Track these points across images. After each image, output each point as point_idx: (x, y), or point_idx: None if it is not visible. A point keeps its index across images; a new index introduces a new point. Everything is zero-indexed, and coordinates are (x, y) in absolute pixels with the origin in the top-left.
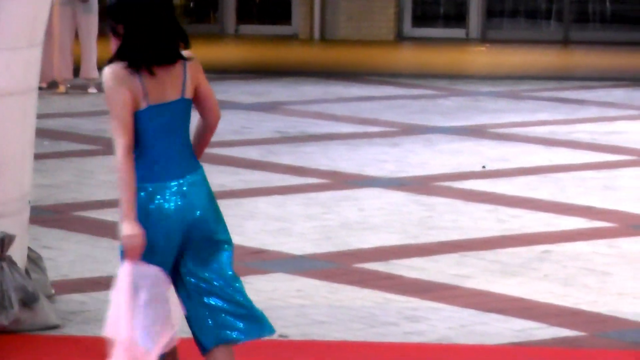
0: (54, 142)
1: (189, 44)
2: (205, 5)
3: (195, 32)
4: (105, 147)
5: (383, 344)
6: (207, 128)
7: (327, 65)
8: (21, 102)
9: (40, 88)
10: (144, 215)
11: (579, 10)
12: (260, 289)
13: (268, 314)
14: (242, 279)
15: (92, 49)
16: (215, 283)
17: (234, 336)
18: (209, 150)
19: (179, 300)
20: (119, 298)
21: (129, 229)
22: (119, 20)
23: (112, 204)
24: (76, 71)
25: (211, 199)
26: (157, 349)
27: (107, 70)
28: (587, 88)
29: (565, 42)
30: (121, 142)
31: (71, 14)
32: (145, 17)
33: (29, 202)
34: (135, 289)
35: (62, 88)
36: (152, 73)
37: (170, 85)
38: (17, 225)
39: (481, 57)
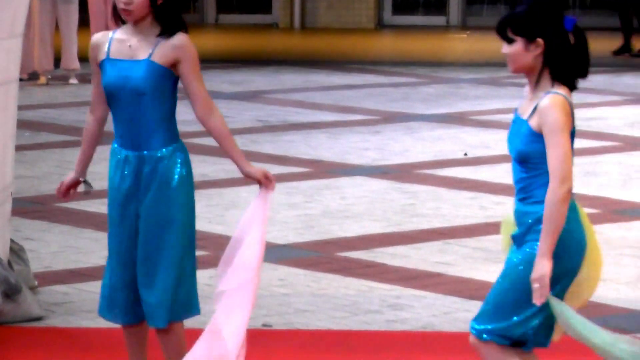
0: (35, 133)
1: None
2: None
3: None
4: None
5: (366, 332)
6: None
7: (307, 53)
8: (2, 93)
9: (21, 79)
10: None
11: None
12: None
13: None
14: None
15: (72, 40)
16: None
17: None
18: (190, 140)
19: None
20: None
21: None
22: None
23: (94, 194)
24: (57, 62)
25: None
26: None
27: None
28: None
29: None
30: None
31: (51, 5)
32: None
33: (11, 193)
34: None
35: (42, 79)
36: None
37: None
38: None
39: (462, 44)
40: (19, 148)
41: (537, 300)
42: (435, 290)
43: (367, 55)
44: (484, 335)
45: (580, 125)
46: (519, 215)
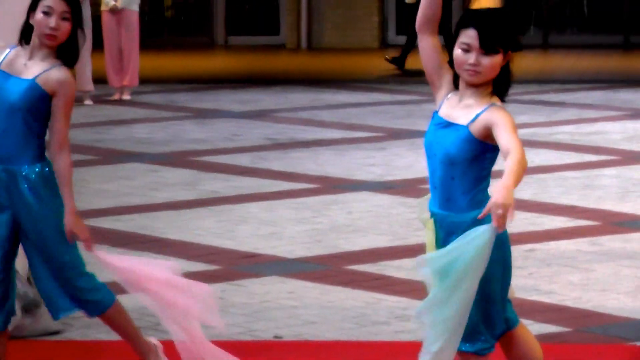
0: None
1: None
2: (195, 18)
3: (186, 44)
4: (100, 156)
5: (374, 342)
6: None
7: (314, 73)
8: None
9: None
10: None
11: (557, 16)
12: (254, 292)
13: (261, 315)
14: (237, 283)
15: (86, 63)
16: None
17: None
18: (201, 158)
19: None
20: None
21: None
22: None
23: (108, 211)
24: None
25: None
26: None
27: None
28: (566, 91)
29: (545, 46)
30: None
31: None
32: None
33: None
34: None
35: None
36: None
37: None
38: None
39: None
40: None
41: (497, 224)
42: None
43: (372, 74)
44: (479, 349)
45: (579, 139)
46: (445, 222)
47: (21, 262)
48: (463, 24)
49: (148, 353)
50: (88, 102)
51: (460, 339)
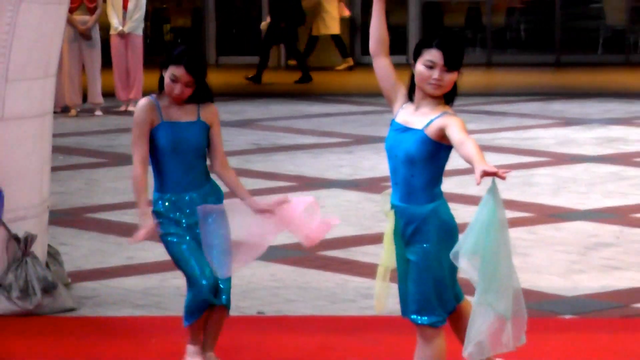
0: (67, 156)
1: None
2: (188, 40)
3: None
4: (110, 159)
5: (343, 317)
6: None
7: (292, 88)
8: (39, 123)
9: (54, 112)
10: None
11: (499, 38)
12: (240, 274)
13: (247, 294)
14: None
15: (96, 79)
16: None
17: None
18: None
19: None
20: None
21: None
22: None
23: (116, 206)
24: (84, 98)
25: None
26: None
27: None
28: (507, 102)
29: (489, 64)
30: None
31: (78, 50)
32: None
33: (48, 206)
34: None
35: (73, 112)
36: None
37: None
38: (38, 226)
39: None
40: (54, 169)
41: (499, 174)
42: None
43: (341, 89)
44: (434, 322)
45: (518, 144)
46: (405, 213)
47: (39, 250)
48: (427, 45)
49: None
50: (99, 113)
51: (510, 297)
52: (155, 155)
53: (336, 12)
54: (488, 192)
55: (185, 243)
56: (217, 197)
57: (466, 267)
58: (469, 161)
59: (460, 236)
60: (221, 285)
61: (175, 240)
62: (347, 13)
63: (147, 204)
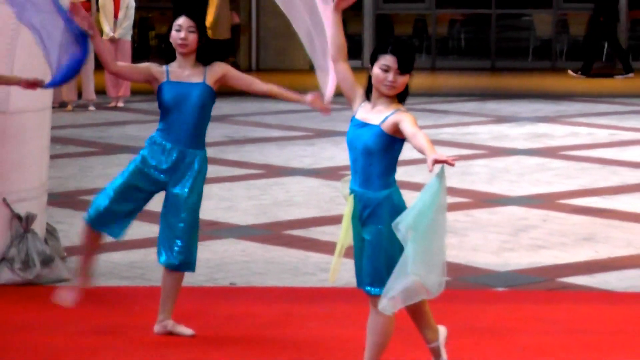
0: (64, 146)
1: None
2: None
3: None
4: (101, 149)
5: (304, 288)
6: None
7: None
8: (39, 117)
9: (53, 107)
10: None
11: (442, 45)
12: (215, 250)
13: (220, 267)
14: (202, 243)
15: (89, 78)
16: None
17: None
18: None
19: None
20: None
21: None
22: None
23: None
24: (79, 94)
25: None
26: None
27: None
28: (448, 102)
29: (433, 68)
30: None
31: None
32: None
33: (46, 189)
34: None
35: (69, 107)
36: None
37: None
38: (37, 206)
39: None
40: (52, 157)
41: (449, 160)
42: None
43: (303, 89)
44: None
45: (458, 138)
46: (363, 198)
47: (39, 227)
48: (383, 51)
49: None
50: (91, 108)
51: (439, 272)
52: (161, 108)
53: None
54: (436, 176)
55: (126, 178)
56: (200, 166)
57: (403, 238)
58: (421, 151)
59: (404, 212)
60: (175, 248)
61: (127, 172)
62: (236, 20)
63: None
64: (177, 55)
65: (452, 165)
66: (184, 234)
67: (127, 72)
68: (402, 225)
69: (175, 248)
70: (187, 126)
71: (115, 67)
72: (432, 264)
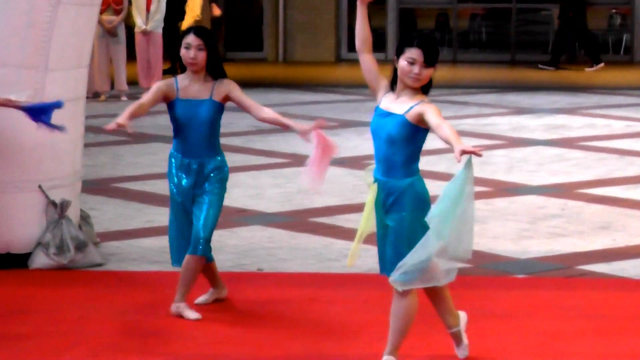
0: (97, 135)
1: None
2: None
3: None
4: (133, 138)
5: (328, 274)
6: None
7: (287, 79)
8: (73, 106)
9: (87, 97)
10: None
11: (463, 39)
12: (242, 236)
13: (248, 253)
14: (230, 230)
15: (121, 69)
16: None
17: None
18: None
19: None
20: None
21: None
22: None
23: (138, 177)
24: (111, 85)
25: None
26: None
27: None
28: (469, 94)
29: (454, 61)
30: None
31: (106, 45)
32: None
33: (80, 177)
34: None
35: (102, 97)
36: None
37: None
38: (72, 193)
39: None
40: (86, 145)
41: (475, 151)
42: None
43: (329, 80)
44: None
45: (478, 129)
46: (386, 186)
47: (73, 213)
48: (409, 44)
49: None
50: (124, 98)
51: (466, 246)
52: (173, 123)
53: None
54: (464, 167)
55: (173, 213)
56: (220, 171)
57: (434, 229)
58: (446, 141)
59: (433, 205)
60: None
61: (171, 208)
62: (217, 12)
63: (130, 116)
64: (187, 70)
65: (479, 155)
66: (206, 227)
67: (151, 103)
68: (434, 217)
69: (198, 237)
70: (199, 140)
71: (145, 108)
72: (461, 241)
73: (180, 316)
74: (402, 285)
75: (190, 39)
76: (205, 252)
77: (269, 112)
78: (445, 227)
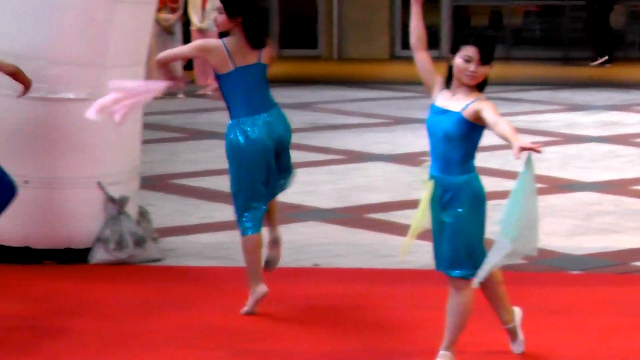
0: (154, 132)
1: None
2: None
3: None
4: (189, 134)
5: (383, 270)
6: None
7: (342, 76)
8: None
9: None
10: None
11: (516, 36)
12: (298, 232)
13: (303, 249)
14: (286, 226)
15: (178, 67)
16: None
17: None
18: None
19: None
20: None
21: None
22: None
23: (195, 174)
24: None
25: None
26: None
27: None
28: (522, 91)
29: (507, 58)
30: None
31: (162, 42)
32: None
33: (138, 173)
34: None
35: (160, 95)
36: None
37: None
38: (130, 189)
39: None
40: (144, 142)
41: (534, 148)
42: (431, 240)
43: (383, 77)
44: (464, 274)
45: (532, 126)
46: (443, 183)
47: (131, 209)
48: (465, 42)
49: None
50: (181, 96)
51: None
52: (227, 89)
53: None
54: (524, 164)
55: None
56: (282, 120)
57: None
58: (504, 138)
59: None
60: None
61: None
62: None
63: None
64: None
65: (538, 152)
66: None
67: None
68: (502, 219)
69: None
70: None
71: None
72: (527, 238)
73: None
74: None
75: (218, 4)
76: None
77: None
78: (511, 226)
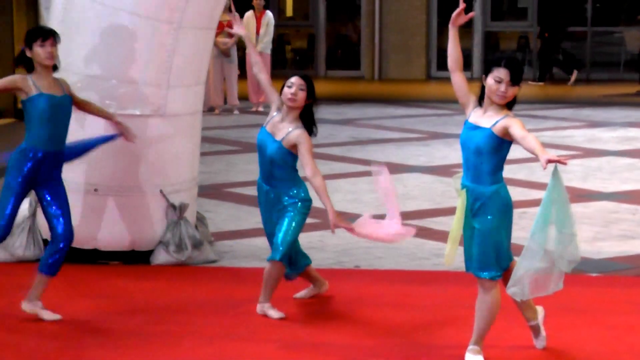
0: (212, 145)
1: None
2: (304, 58)
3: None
4: (244, 147)
5: (420, 271)
6: None
7: (383, 95)
8: (192, 119)
9: (203, 111)
10: None
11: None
12: (342, 236)
13: (347, 252)
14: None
15: (233, 86)
16: None
17: None
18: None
19: None
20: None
21: None
22: None
23: (248, 183)
24: (225, 100)
25: None
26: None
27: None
28: (548, 109)
29: (534, 79)
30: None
31: (220, 64)
32: None
33: (197, 182)
34: None
35: (216, 111)
36: None
37: None
38: (189, 197)
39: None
40: (202, 154)
41: (561, 160)
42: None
43: (420, 96)
44: (492, 276)
45: (556, 140)
46: (474, 192)
47: (190, 215)
48: (496, 64)
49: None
50: (236, 112)
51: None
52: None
53: None
54: (551, 176)
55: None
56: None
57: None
58: (532, 152)
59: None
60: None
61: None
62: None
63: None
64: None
65: (564, 164)
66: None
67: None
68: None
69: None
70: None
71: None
72: (566, 246)
73: (265, 315)
74: (522, 297)
75: (294, 79)
76: (282, 258)
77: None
78: (542, 234)
